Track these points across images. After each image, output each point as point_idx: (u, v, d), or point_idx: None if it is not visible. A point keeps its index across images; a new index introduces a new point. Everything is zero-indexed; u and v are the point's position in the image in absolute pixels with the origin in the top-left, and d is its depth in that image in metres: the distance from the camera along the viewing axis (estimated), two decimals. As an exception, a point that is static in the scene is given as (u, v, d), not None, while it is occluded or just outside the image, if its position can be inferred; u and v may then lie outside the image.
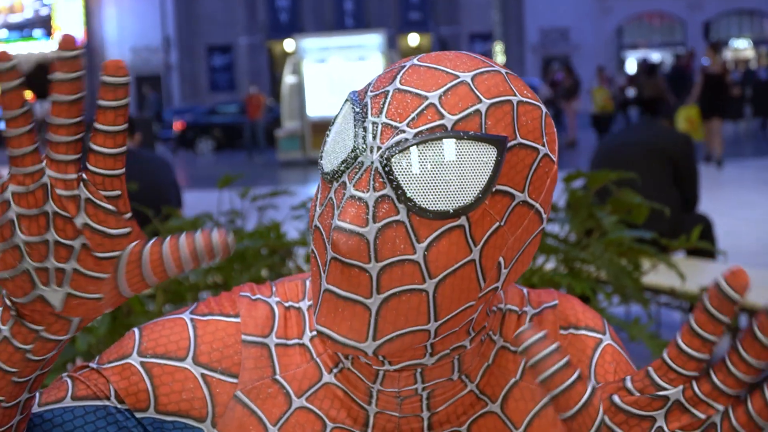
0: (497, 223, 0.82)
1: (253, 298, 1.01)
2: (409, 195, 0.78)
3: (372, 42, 20.22)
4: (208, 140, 24.20)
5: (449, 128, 0.78)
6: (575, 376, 0.75)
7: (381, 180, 0.79)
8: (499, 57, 36.94)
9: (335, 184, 0.83)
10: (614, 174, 3.28)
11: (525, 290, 1.04)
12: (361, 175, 0.79)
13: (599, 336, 1.01)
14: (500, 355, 0.98)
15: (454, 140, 0.79)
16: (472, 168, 0.79)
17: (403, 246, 0.79)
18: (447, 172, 0.79)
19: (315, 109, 18.32)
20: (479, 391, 0.98)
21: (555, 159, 0.88)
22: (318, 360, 0.98)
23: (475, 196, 0.79)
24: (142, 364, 0.95)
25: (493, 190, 0.81)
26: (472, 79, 0.82)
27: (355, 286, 0.81)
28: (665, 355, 0.75)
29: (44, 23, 37.40)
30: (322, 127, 16.94)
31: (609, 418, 0.76)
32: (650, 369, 0.76)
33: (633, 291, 2.95)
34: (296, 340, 0.99)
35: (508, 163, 0.82)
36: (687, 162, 5.42)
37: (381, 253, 0.79)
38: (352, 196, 0.79)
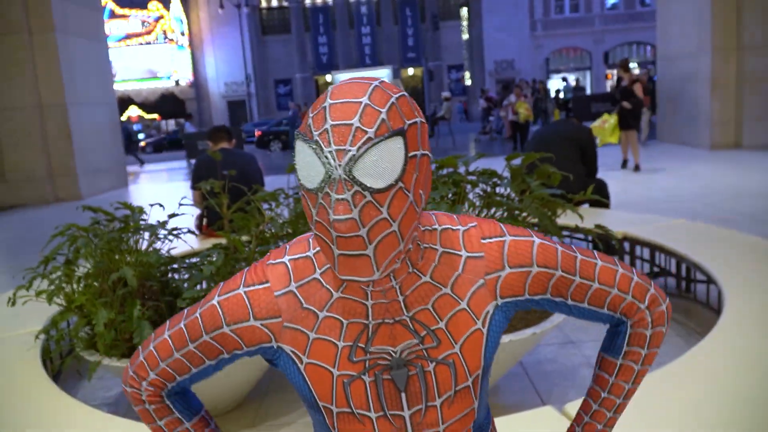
0: (415, 174, 0.83)
1: (274, 262, 0.97)
2: (367, 185, 0.79)
3: (383, 74, 20.09)
4: (277, 142, 23.27)
5: (373, 138, 0.78)
6: None
7: (349, 183, 0.78)
8: (468, 80, 37.29)
9: (320, 195, 0.81)
10: (538, 154, 3.07)
11: (455, 216, 0.99)
12: (337, 185, 0.79)
13: (502, 239, 0.96)
14: (444, 257, 0.95)
15: (378, 144, 0.78)
16: (394, 153, 0.79)
17: (375, 214, 0.80)
18: (383, 162, 0.79)
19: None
20: (433, 281, 0.94)
21: (423, 120, 0.86)
22: (328, 286, 0.94)
23: (401, 168, 0.80)
24: (230, 330, 0.95)
25: (409, 157, 0.81)
26: (369, 98, 0.80)
27: (356, 247, 0.81)
28: None
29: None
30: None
31: None
32: None
33: (552, 228, 2.80)
34: (310, 278, 0.95)
35: (410, 138, 0.82)
36: (589, 145, 5.30)
37: (364, 223, 0.80)
38: (338, 199, 0.79)
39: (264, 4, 37.89)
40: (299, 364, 0.95)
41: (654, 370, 2.08)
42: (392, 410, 0.95)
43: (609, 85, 31.41)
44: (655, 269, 4.23)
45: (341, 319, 0.93)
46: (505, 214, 2.95)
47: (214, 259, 2.59)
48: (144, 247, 2.71)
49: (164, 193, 11.71)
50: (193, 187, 4.67)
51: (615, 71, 34.29)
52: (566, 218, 3.68)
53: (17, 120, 11.32)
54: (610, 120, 9.76)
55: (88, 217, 2.81)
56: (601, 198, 3.36)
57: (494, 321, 0.97)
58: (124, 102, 31.38)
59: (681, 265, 3.94)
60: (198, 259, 2.86)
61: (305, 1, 37.12)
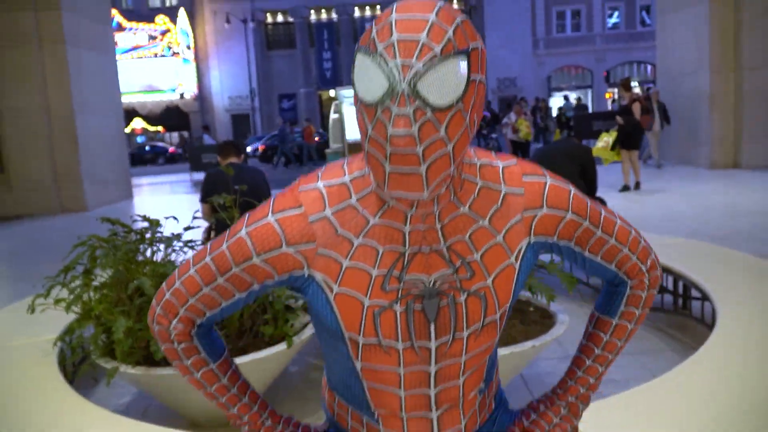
0: (473, 98, 0.82)
1: (307, 188, 0.93)
2: (430, 101, 0.78)
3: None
4: (281, 157, 22.68)
5: (439, 55, 0.77)
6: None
7: (412, 98, 0.77)
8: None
9: (380, 109, 0.79)
10: None
11: (493, 153, 0.98)
12: (399, 98, 0.77)
13: (543, 179, 0.97)
14: (483, 190, 0.94)
15: (444, 61, 0.77)
16: (457, 73, 0.79)
17: (433, 132, 0.79)
18: (446, 81, 0.78)
19: (351, 135, 17.41)
20: (472, 212, 0.93)
21: (483, 47, 0.85)
22: (364, 213, 0.91)
23: (463, 88, 0.80)
24: (261, 260, 0.92)
25: (470, 80, 0.80)
26: (436, 16, 0.78)
27: (410, 163, 0.79)
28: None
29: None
30: (357, 147, 16.01)
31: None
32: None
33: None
34: (346, 203, 0.92)
35: (473, 61, 0.81)
36: (589, 164, 5.44)
37: (422, 140, 0.79)
38: (398, 114, 0.78)
39: (270, 19, 38.09)
40: (329, 293, 0.92)
41: (647, 380, 2.17)
42: (420, 341, 0.93)
43: (610, 103, 31.51)
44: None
45: (377, 246, 0.91)
46: None
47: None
48: (159, 258, 2.81)
49: (169, 205, 11.83)
50: (203, 201, 4.75)
51: (616, 90, 34.54)
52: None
53: (25, 128, 11.45)
54: (607, 138, 9.70)
55: (99, 227, 2.88)
56: None
57: (526, 258, 0.97)
58: (129, 114, 31.50)
59: (678, 282, 4.04)
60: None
61: (310, 17, 37.35)
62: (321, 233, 0.91)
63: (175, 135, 38.16)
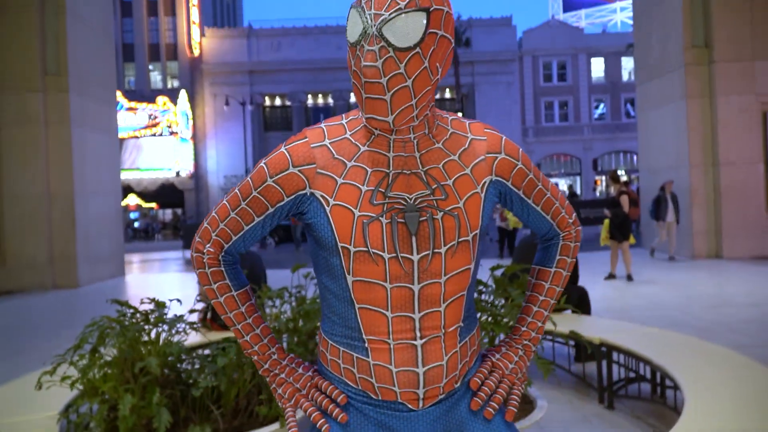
0: (432, 47, 1.04)
1: (312, 127, 1.17)
2: (392, 42, 1.01)
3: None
4: (273, 237, 22.78)
5: (403, 8, 1.01)
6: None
7: (378, 39, 1.02)
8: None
9: (357, 48, 1.04)
10: (519, 266, 3.24)
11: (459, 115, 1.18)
12: (369, 39, 1.02)
13: (500, 134, 1.20)
14: (453, 135, 1.17)
15: (406, 13, 1.01)
16: (417, 23, 1.02)
17: (394, 68, 1.02)
18: (407, 28, 1.01)
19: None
20: (444, 148, 1.15)
21: (449, 11, 1.08)
22: (357, 143, 1.13)
23: (420, 36, 1.02)
24: (273, 180, 1.13)
25: (428, 32, 1.03)
26: None
27: (377, 92, 1.03)
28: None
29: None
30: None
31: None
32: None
33: None
34: (342, 137, 1.14)
35: (433, 18, 1.03)
36: None
37: (385, 72, 1.02)
38: (368, 50, 1.02)
39: (267, 102, 39.26)
40: (326, 207, 1.10)
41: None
42: (403, 252, 1.09)
43: (599, 191, 32.15)
44: (631, 374, 4.49)
45: (366, 167, 1.11)
46: (489, 318, 3.15)
47: (226, 351, 2.85)
48: (163, 338, 2.98)
49: (162, 283, 11.93)
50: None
51: (604, 177, 35.31)
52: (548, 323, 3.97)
53: (25, 207, 11.63)
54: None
55: (90, 304, 3.00)
56: (574, 307, 3.44)
57: (489, 191, 1.17)
58: (124, 190, 31.94)
59: (656, 373, 4.20)
60: (208, 351, 3.14)
61: (307, 102, 38.51)
62: (320, 157, 1.12)
63: (168, 212, 38.44)
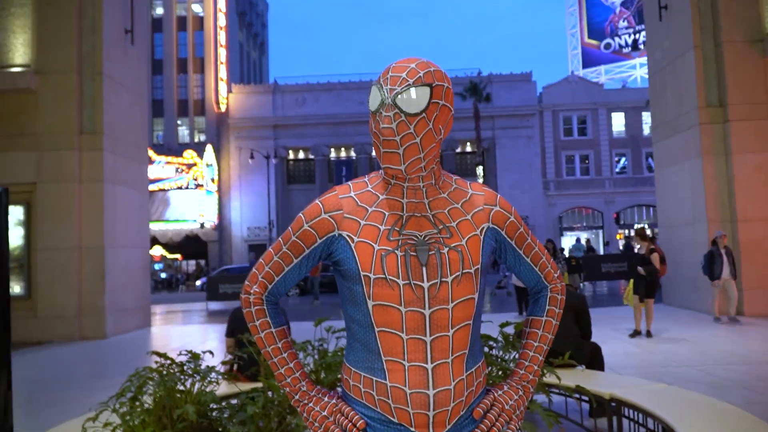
0: (435, 113, 1.30)
1: (341, 185, 1.41)
2: (404, 109, 1.27)
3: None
4: (294, 288, 22.26)
5: (411, 84, 1.27)
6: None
7: (392, 107, 1.27)
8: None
9: (377, 114, 1.30)
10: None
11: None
12: (385, 108, 1.28)
13: (497, 193, 1.42)
14: (457, 189, 1.40)
15: (414, 88, 1.28)
16: (422, 95, 1.28)
17: (405, 129, 1.27)
18: (413, 99, 1.27)
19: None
20: (449, 198, 1.38)
21: (449, 86, 1.34)
22: (376, 193, 1.37)
23: (425, 105, 1.28)
24: (309, 225, 1.36)
25: (431, 102, 1.29)
26: (415, 65, 1.31)
27: (393, 147, 1.28)
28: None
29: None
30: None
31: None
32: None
33: (538, 386, 3.04)
34: (364, 189, 1.38)
35: (435, 91, 1.30)
36: (582, 310, 5.61)
37: (398, 132, 1.27)
38: (385, 116, 1.28)
39: (291, 155, 39.96)
40: (351, 244, 1.32)
41: None
42: (415, 280, 1.28)
43: (621, 245, 31.92)
44: (642, 430, 4.61)
45: (384, 211, 1.33)
46: (500, 372, 3.28)
47: (255, 400, 3.08)
48: (197, 387, 3.25)
49: (186, 335, 12.15)
50: (229, 336, 5.21)
51: (626, 231, 35.01)
52: (550, 377, 3.88)
53: (57, 260, 12.06)
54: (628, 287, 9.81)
55: (117, 355, 3.25)
56: (587, 361, 3.47)
57: (486, 235, 1.38)
58: (150, 241, 32.45)
59: (657, 425, 4.33)
60: (237, 401, 3.38)
61: (330, 155, 39.12)
62: (346, 204, 1.36)
63: (192, 263, 38.91)
